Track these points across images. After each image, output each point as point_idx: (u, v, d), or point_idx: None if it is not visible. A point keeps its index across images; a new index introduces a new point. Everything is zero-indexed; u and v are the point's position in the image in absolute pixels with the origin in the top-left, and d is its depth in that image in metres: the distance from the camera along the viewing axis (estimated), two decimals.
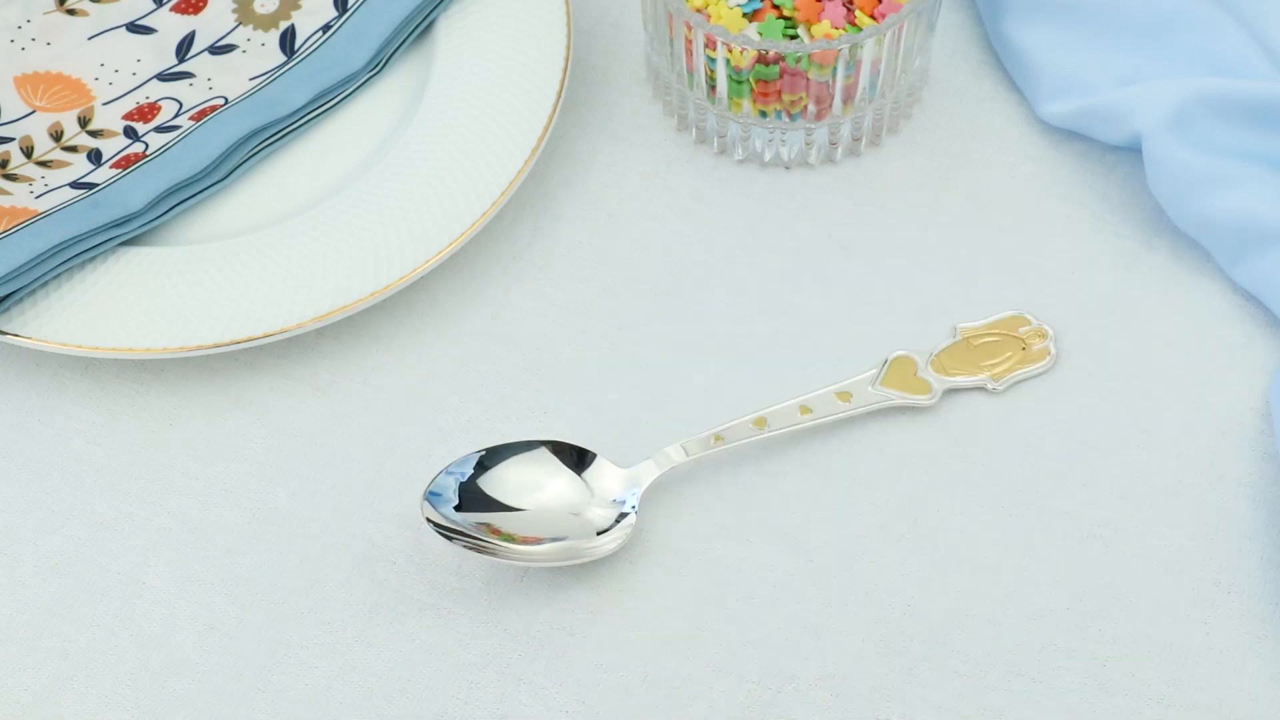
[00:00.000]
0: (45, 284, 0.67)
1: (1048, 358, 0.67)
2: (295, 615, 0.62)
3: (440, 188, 0.69)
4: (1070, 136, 0.73)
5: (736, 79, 0.70)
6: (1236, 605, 0.62)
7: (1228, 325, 0.68)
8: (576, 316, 0.69)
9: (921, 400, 0.66)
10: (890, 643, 0.62)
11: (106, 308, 0.67)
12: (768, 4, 0.70)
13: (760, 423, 0.65)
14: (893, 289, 0.70)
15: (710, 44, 0.69)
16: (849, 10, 0.69)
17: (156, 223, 0.69)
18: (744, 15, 0.69)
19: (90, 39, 0.75)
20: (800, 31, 0.69)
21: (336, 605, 0.63)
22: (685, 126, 0.74)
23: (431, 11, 0.74)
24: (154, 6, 0.75)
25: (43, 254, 0.66)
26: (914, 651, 0.61)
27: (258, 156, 0.71)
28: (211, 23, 0.75)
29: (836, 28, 0.69)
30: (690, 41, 0.69)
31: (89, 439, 0.67)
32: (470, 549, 0.61)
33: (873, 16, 0.69)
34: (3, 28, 0.75)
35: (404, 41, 0.74)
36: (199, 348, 0.66)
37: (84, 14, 0.75)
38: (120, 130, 0.72)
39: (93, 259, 0.68)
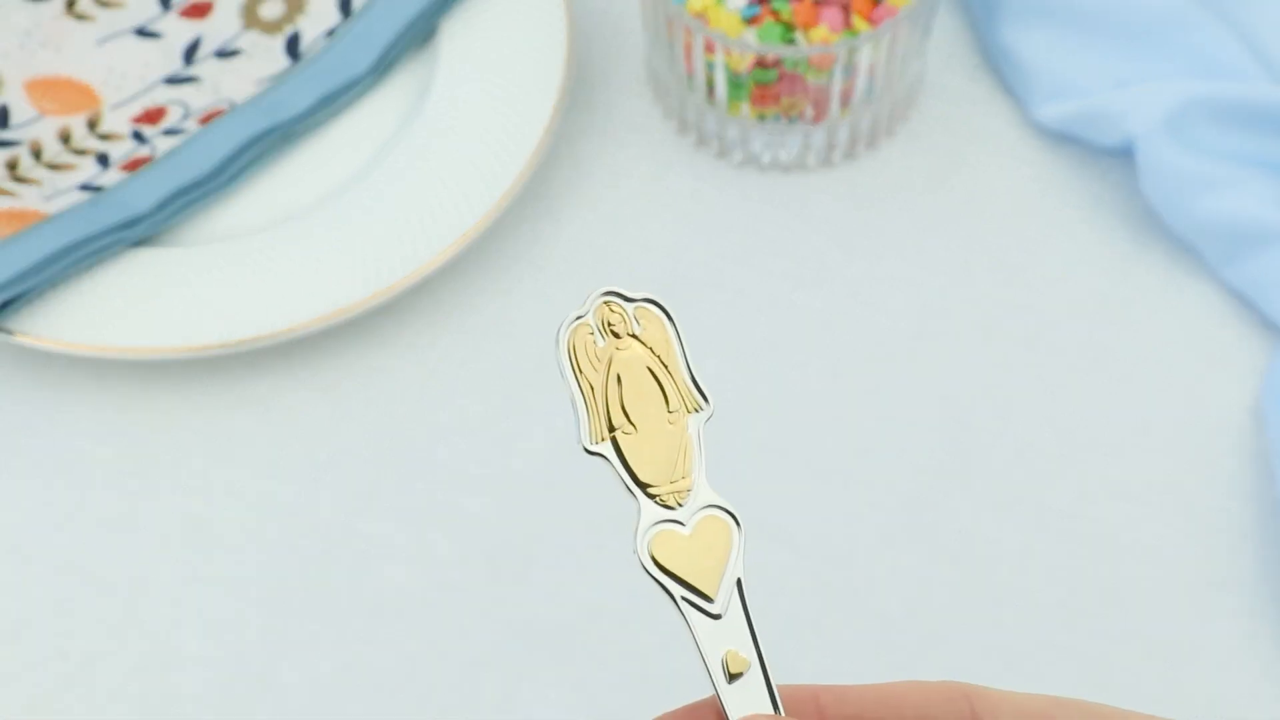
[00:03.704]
0: (54, 285, 0.68)
1: None
2: (299, 612, 0.63)
3: (442, 190, 0.70)
4: (1064, 140, 0.73)
5: (735, 82, 0.70)
6: (1230, 603, 0.62)
7: (1220, 326, 0.69)
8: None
9: None
10: (887, 640, 0.62)
11: (113, 308, 0.67)
12: (766, 9, 0.70)
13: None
14: (890, 290, 0.70)
15: (709, 48, 0.69)
16: (846, 15, 0.70)
17: (163, 225, 0.70)
18: (742, 20, 0.70)
19: (98, 44, 0.75)
20: (798, 36, 0.70)
21: (340, 602, 0.63)
22: (685, 129, 0.74)
23: (434, 16, 0.74)
24: (161, 12, 0.76)
25: (51, 256, 0.67)
26: (910, 648, 0.62)
27: (263, 159, 0.72)
28: (218, 28, 0.75)
29: (834, 32, 0.69)
30: (690, 45, 0.70)
31: (95, 438, 0.67)
32: None
33: (869, 21, 0.69)
34: (12, 33, 0.75)
35: (407, 46, 0.74)
36: (204, 348, 0.66)
37: (91, 19, 0.76)
38: (128, 134, 0.73)
39: (100, 260, 0.68)
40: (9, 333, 0.66)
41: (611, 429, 0.41)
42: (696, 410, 0.41)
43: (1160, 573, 0.63)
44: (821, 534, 0.64)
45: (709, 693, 0.40)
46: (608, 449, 0.41)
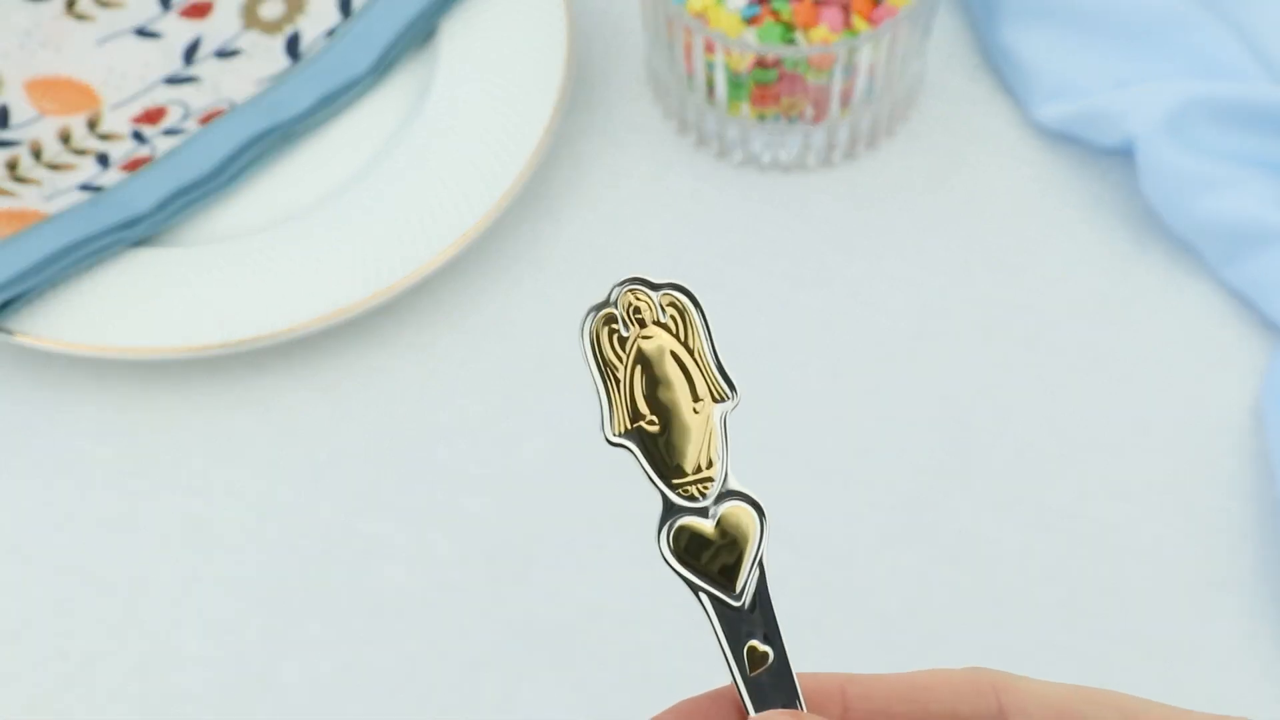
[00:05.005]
0: (54, 285, 0.68)
1: None
2: (299, 612, 0.63)
3: (442, 190, 0.70)
4: (1064, 140, 0.73)
5: (735, 82, 0.70)
6: (1230, 602, 0.63)
7: (1220, 326, 0.69)
8: (577, 317, 0.70)
9: None
10: (887, 640, 0.62)
11: (113, 308, 0.67)
12: (766, 9, 0.70)
13: None
14: (890, 290, 0.70)
15: (709, 48, 0.69)
16: (846, 15, 0.70)
17: (163, 225, 0.70)
18: (742, 20, 0.70)
19: (98, 44, 0.75)
20: (798, 36, 0.70)
21: (340, 602, 0.63)
22: (685, 129, 0.74)
23: (434, 16, 0.74)
24: (161, 12, 0.76)
25: (51, 256, 0.67)
26: (910, 648, 0.62)
27: (263, 159, 0.72)
28: (218, 28, 0.76)
29: (834, 32, 0.69)
30: (690, 45, 0.70)
31: (96, 438, 0.67)
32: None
33: (869, 21, 0.69)
34: (12, 33, 0.75)
35: (407, 46, 0.74)
36: (204, 348, 0.66)
37: (91, 19, 0.76)
38: (128, 134, 0.73)
39: (100, 260, 0.68)
40: (9, 333, 0.67)
41: (635, 419, 0.40)
42: (723, 399, 0.41)
43: (1160, 573, 0.63)
44: (821, 534, 0.64)
45: (727, 684, 0.40)
46: (631, 440, 0.40)
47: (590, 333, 0.40)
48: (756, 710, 0.40)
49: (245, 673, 0.62)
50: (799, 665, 0.61)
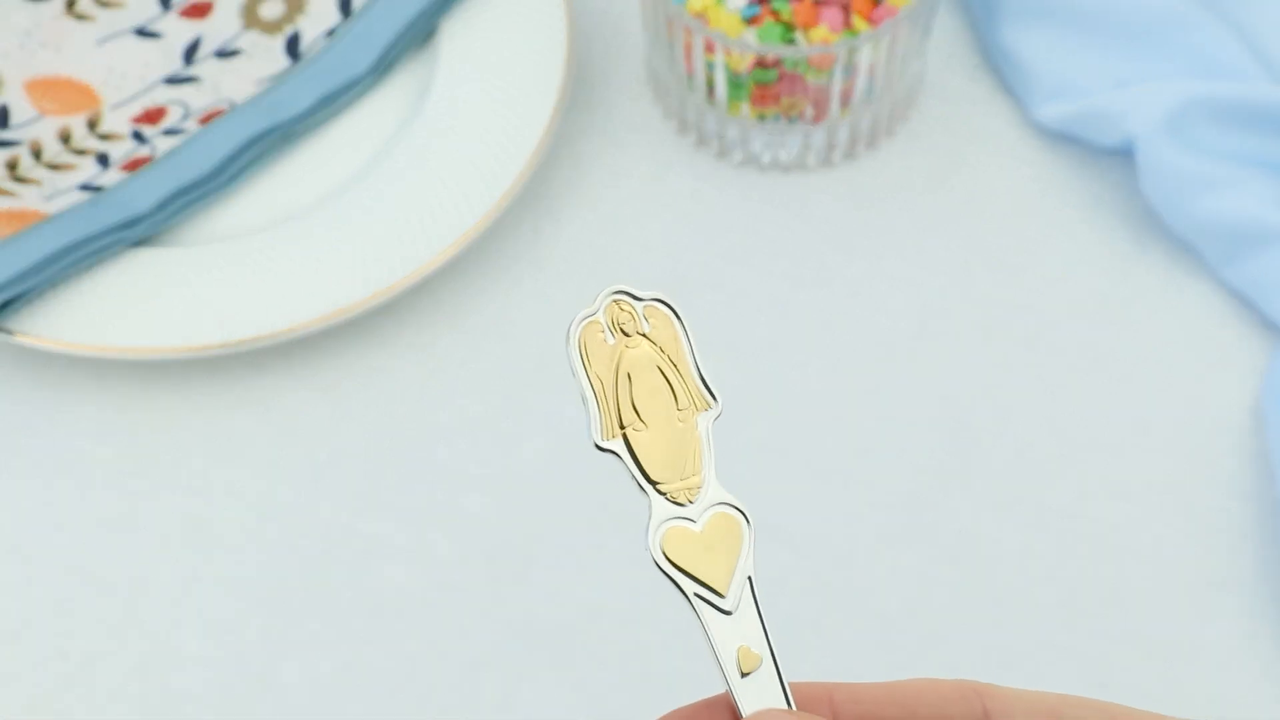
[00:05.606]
0: (54, 285, 0.68)
1: None
2: (299, 612, 0.63)
3: (443, 190, 0.70)
4: (1064, 140, 0.73)
5: (735, 82, 0.70)
6: (1230, 603, 0.63)
7: (1220, 326, 0.69)
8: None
9: None
10: (887, 640, 0.62)
11: (113, 308, 0.67)
12: (766, 9, 0.70)
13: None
14: (890, 290, 0.70)
15: (709, 48, 0.69)
16: (846, 15, 0.70)
17: (163, 225, 0.70)
18: (742, 20, 0.70)
19: (98, 44, 0.75)
20: (798, 36, 0.70)
21: (340, 602, 0.63)
22: (685, 129, 0.74)
23: (434, 16, 0.74)
24: (161, 12, 0.76)
25: (51, 256, 0.67)
26: (910, 648, 0.62)
27: (263, 159, 0.72)
28: (218, 28, 0.76)
29: (834, 32, 0.69)
30: (690, 45, 0.70)
31: (95, 438, 0.67)
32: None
33: (869, 21, 0.69)
34: (12, 33, 0.75)
35: (407, 46, 0.75)
36: (205, 348, 0.66)
37: (91, 19, 0.76)
38: (128, 134, 0.73)
39: (100, 260, 0.68)
40: (9, 333, 0.67)
41: (622, 426, 0.41)
42: (706, 409, 0.42)
43: (1160, 573, 0.63)
44: (821, 534, 0.64)
45: (720, 689, 0.41)
46: (619, 445, 0.41)
47: (577, 341, 0.41)
48: (748, 712, 0.40)
49: (245, 673, 0.62)
50: (797, 664, 0.61)
